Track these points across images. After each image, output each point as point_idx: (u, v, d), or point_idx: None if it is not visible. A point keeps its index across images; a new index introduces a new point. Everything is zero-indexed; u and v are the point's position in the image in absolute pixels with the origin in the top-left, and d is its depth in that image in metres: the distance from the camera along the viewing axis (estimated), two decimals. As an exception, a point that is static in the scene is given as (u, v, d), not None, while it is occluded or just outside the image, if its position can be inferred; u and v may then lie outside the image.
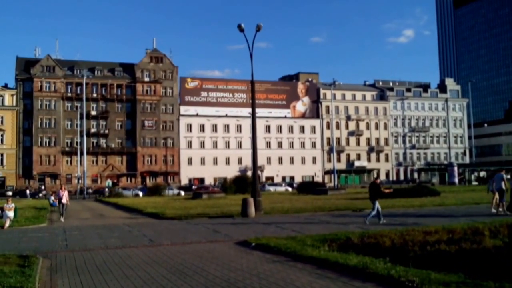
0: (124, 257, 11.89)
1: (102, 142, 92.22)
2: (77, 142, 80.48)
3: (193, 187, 76.89)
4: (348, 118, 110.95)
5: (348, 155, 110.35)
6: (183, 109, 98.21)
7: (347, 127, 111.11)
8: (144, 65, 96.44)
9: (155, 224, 21.37)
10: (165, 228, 19.31)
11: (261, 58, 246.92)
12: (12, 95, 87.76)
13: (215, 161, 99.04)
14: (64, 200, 24.69)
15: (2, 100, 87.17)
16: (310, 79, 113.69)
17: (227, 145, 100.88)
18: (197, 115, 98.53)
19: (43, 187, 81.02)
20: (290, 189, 70.60)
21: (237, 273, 9.41)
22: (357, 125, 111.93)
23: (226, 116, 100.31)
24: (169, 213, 25.47)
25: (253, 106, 26.21)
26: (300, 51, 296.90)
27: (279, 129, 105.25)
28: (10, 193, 68.24)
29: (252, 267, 9.93)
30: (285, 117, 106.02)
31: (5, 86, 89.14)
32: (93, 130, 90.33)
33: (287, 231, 16.25)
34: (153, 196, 54.85)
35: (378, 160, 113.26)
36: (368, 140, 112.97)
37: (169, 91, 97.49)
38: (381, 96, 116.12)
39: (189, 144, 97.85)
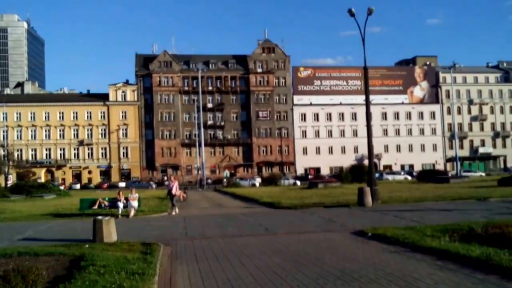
0: (240, 245, 12.00)
1: (219, 133, 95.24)
2: (195, 134, 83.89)
3: (309, 176, 76.79)
4: (470, 102, 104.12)
5: (471, 141, 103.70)
6: (297, 99, 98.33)
7: (469, 111, 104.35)
8: (256, 56, 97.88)
9: (270, 214, 21.50)
10: (281, 217, 19.32)
11: (374, 43, 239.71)
12: (133, 91, 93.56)
13: (331, 150, 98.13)
14: (174, 191, 23.35)
15: (125, 95, 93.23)
16: (428, 63, 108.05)
17: (342, 133, 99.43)
18: (310, 104, 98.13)
19: (166, 178, 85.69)
20: (409, 177, 67.93)
21: (352, 263, 9.13)
22: (480, 109, 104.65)
23: (341, 104, 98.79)
24: (284, 202, 25.52)
25: (367, 93, 25.35)
26: (416, 34, 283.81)
27: (396, 115, 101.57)
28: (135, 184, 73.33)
29: (368, 258, 9.61)
30: (402, 103, 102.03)
31: (127, 82, 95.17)
32: (210, 122, 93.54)
33: (406, 221, 15.50)
34: (269, 186, 55.60)
35: (504, 146, 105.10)
36: (493, 125, 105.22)
37: (282, 81, 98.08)
38: (506, 78, 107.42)
39: (304, 134, 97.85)
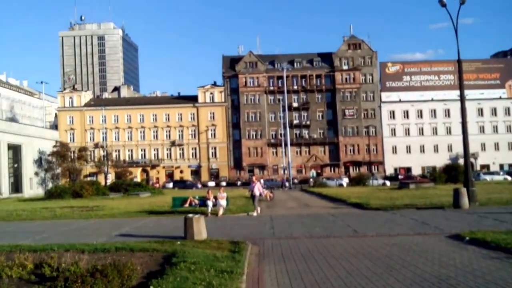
0: (328, 246, 11.82)
1: (305, 133, 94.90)
2: (281, 134, 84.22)
3: (399, 176, 74.43)
4: None
5: None
6: (385, 96, 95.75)
7: None
8: (342, 53, 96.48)
9: (359, 215, 21.03)
10: (370, 218, 18.83)
11: (467, 35, 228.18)
12: (220, 92, 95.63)
13: (422, 149, 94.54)
14: (256, 192, 22.72)
15: (212, 97, 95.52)
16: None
17: (435, 131, 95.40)
18: (399, 101, 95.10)
19: (253, 178, 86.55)
20: (509, 178, 63.77)
21: (449, 269, 8.65)
22: None
23: (432, 100, 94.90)
24: (373, 203, 24.87)
25: (461, 87, 24.01)
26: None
27: (494, 111, 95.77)
28: (224, 183, 74.86)
29: (466, 264, 9.07)
30: (500, 98, 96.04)
31: (214, 84, 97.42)
32: (295, 121, 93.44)
33: (507, 224, 14.54)
34: (356, 186, 54.62)
35: None
36: None
37: (369, 78, 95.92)
38: None
39: (393, 132, 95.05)
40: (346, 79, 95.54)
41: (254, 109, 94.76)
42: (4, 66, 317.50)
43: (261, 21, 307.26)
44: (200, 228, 13.50)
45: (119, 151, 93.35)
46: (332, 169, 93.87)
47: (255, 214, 22.14)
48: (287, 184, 65.69)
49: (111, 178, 77.28)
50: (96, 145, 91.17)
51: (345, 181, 66.31)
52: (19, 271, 9.01)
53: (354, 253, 10.68)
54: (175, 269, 8.63)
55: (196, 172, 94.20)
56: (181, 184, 77.04)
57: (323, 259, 10.13)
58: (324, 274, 8.66)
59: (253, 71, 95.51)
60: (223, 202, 22.20)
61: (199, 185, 77.14)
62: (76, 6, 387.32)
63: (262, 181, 65.89)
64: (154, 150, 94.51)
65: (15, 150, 59.67)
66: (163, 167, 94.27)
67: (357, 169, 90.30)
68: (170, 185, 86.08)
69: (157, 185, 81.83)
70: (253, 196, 23.00)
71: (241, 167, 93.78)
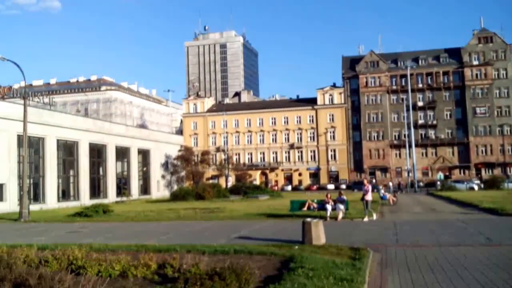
0: (458, 256, 10.88)
1: (431, 133, 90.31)
2: (404, 135, 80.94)
3: (538, 179, 67.92)
4: None
5: None
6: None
7: None
8: (471, 48, 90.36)
9: (493, 221, 19.32)
10: (506, 225, 17.18)
11: None
12: (340, 93, 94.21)
13: None
14: (368, 197, 21.51)
15: (332, 98, 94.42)
16: None
17: None
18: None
19: (374, 181, 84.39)
20: None
21: None
22: None
23: None
24: (510, 208, 22.73)
25: None
26: None
27: None
28: (343, 186, 73.53)
29: None
30: None
31: (334, 86, 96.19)
32: (420, 121, 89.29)
33: None
34: (489, 190, 50.77)
35: None
36: None
37: (503, 73, 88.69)
38: None
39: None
40: (476, 75, 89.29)
41: (375, 109, 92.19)
42: (136, 76, 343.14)
43: (382, 19, 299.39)
44: (319, 233, 13.15)
45: (239, 154, 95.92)
46: (461, 171, 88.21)
47: (366, 219, 21.15)
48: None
49: (231, 180, 79.54)
50: (218, 149, 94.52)
51: (476, 184, 61.99)
52: (143, 270, 9.33)
53: (488, 264, 9.68)
54: (293, 275, 8.42)
55: (315, 175, 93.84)
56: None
57: (453, 269, 9.29)
58: (453, 286, 7.94)
59: (374, 70, 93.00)
60: (342, 206, 21.62)
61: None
62: (200, 18, 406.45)
63: (390, 184, 64.09)
64: (273, 153, 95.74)
65: (144, 155, 63.77)
66: (282, 170, 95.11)
67: (490, 171, 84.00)
68: (289, 187, 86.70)
69: (276, 187, 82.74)
70: (365, 201, 21.71)
71: (362, 169, 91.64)
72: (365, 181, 23.85)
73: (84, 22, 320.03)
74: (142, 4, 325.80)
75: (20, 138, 34.16)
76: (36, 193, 43.65)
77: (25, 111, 29.23)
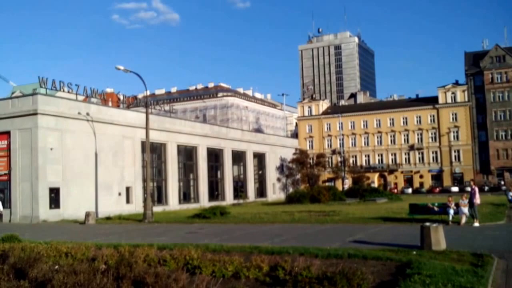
0: None
1: None
2: (538, 133, 74.17)
3: None
4: None
5: None
6: None
7: None
8: None
9: None
10: None
11: None
12: (463, 91, 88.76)
13: None
14: (476, 200, 20.33)
15: (454, 97, 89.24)
16: None
17: None
18: None
19: (502, 182, 78.41)
20: None
21: None
22: None
23: None
24: None
25: None
26: None
27: None
28: (468, 189, 68.88)
29: None
30: None
31: (456, 83, 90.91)
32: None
33: None
34: None
35: None
36: None
37: None
38: None
39: None
40: None
41: (502, 107, 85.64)
42: (251, 82, 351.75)
43: (508, 10, 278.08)
44: (438, 238, 12.43)
45: (355, 156, 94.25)
46: None
47: (476, 224, 19.52)
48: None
49: (348, 183, 78.29)
50: (334, 152, 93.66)
51: None
52: (255, 272, 9.41)
53: None
54: (409, 281, 8.03)
55: (437, 177, 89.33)
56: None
57: None
58: None
59: (501, 65, 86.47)
60: (465, 210, 20.27)
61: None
62: (314, 20, 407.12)
63: None
64: (392, 154, 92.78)
65: (259, 158, 64.90)
66: (401, 172, 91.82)
67: None
68: (409, 190, 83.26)
69: (395, 190, 79.95)
70: (471, 204, 20.26)
71: (489, 170, 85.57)
72: (472, 183, 22.96)
73: (201, 32, 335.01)
74: (252, 12, 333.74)
75: (143, 144, 36.45)
76: (159, 195, 46.28)
77: (147, 119, 31.14)
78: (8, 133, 34.71)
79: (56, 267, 9.03)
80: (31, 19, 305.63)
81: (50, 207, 33.34)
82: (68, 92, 38.38)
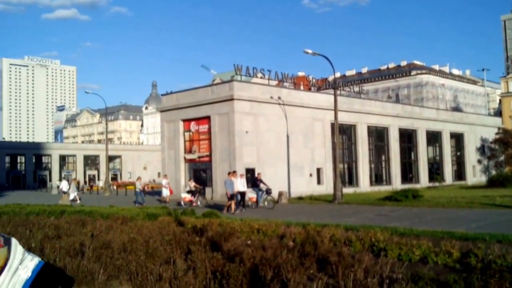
0: None
1: None
2: None
3: None
4: None
5: None
6: None
7: None
8: None
9: None
10: None
11: None
12: None
13: None
14: None
15: None
16: None
17: None
18: None
19: None
20: None
21: None
22: None
23: None
24: None
25: None
26: None
27: None
28: None
29: None
30: None
31: None
32: None
33: None
34: None
35: None
36: None
37: None
38: None
39: None
40: None
41: None
42: (447, 57, 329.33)
43: None
44: None
45: None
46: None
47: None
48: None
49: None
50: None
51: None
52: (445, 258, 8.82)
53: None
54: None
55: None
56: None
57: None
58: None
59: None
60: None
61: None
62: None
63: None
64: None
65: (457, 139, 60.59)
66: None
67: None
68: None
69: None
70: None
71: None
72: None
73: (390, 8, 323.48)
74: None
75: (333, 126, 36.71)
76: (350, 177, 46.31)
77: (335, 100, 31.21)
78: (208, 118, 37.99)
79: (249, 242, 9.59)
80: (228, 13, 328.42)
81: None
82: (261, 77, 40.38)
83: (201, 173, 38.94)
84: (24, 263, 4.64)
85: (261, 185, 26.41)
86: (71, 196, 34.17)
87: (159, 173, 76.66)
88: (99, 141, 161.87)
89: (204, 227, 11.88)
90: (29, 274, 4.66)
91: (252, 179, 28.00)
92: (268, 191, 26.38)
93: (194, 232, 11.34)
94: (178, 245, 9.31)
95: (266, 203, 25.73)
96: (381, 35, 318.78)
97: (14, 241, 4.71)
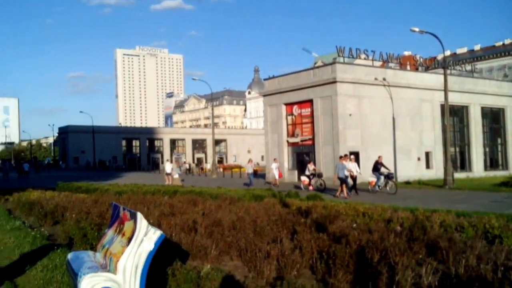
0: None
1: None
2: None
3: None
4: None
5: None
6: None
7: None
8: None
9: None
10: None
11: None
12: None
13: None
14: None
15: None
16: None
17: None
18: None
19: None
20: None
21: None
22: None
23: None
24: None
25: None
26: None
27: None
28: None
29: None
30: None
31: None
32: None
33: None
34: None
35: None
36: None
37: None
38: None
39: None
40: None
41: None
42: None
43: None
44: None
45: None
46: None
47: None
48: None
49: None
50: None
51: None
52: None
53: None
54: None
55: None
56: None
57: None
58: None
59: None
60: None
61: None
62: None
63: None
64: None
65: None
66: None
67: None
68: None
69: None
70: None
71: None
72: None
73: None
74: None
75: (443, 107, 35.00)
76: (462, 161, 44.00)
77: (445, 80, 29.70)
78: (310, 101, 37.81)
79: (354, 225, 9.56)
80: None
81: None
82: (365, 59, 39.38)
83: (304, 157, 39.02)
84: (148, 235, 5.07)
85: (382, 169, 25.65)
86: (176, 176, 35.55)
87: (262, 156, 78.01)
88: (206, 126, 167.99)
89: (308, 209, 12.00)
90: (152, 246, 5.08)
91: (374, 163, 27.16)
92: (390, 176, 25.63)
93: (299, 213, 11.50)
94: (284, 226, 9.52)
95: (388, 188, 25.05)
96: (495, 8, 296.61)
97: (139, 215, 5.14)
